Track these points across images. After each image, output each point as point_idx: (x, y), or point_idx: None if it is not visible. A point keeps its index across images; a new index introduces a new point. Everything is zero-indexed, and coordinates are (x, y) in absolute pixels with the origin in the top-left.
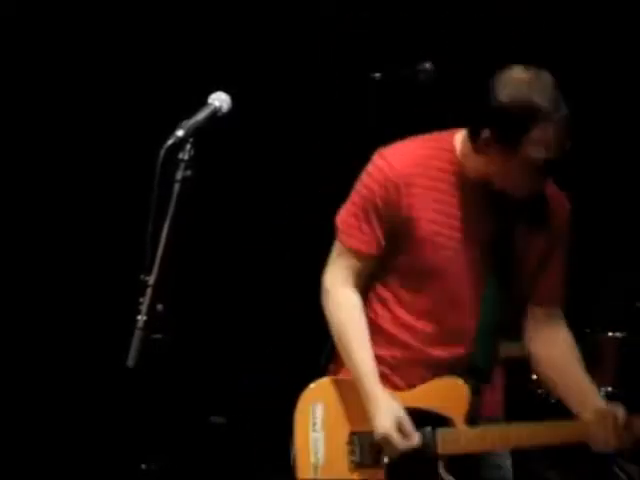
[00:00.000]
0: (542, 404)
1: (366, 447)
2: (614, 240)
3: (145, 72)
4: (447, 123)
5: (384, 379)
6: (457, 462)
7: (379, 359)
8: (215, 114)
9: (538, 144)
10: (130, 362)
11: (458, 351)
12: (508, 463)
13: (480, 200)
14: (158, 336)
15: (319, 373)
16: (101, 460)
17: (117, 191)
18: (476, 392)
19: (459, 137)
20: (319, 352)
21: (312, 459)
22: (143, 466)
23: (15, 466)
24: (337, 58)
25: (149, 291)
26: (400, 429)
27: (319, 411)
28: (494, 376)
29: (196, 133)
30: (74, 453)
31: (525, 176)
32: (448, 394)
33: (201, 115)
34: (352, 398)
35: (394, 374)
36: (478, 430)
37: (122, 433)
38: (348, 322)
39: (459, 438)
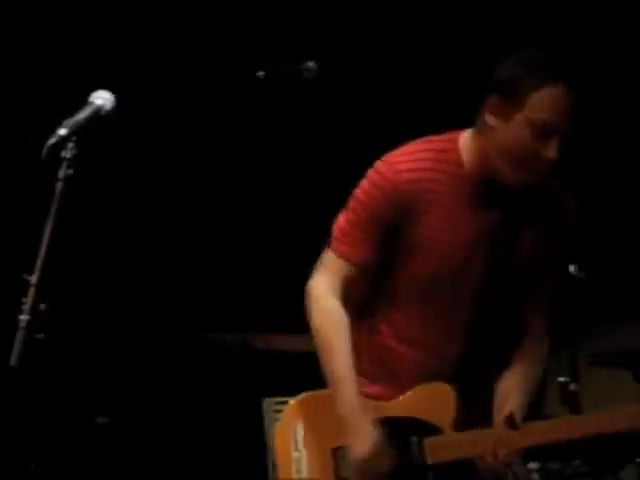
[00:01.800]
0: None
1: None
2: None
3: (25, 68)
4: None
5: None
6: (451, 469)
7: (372, 374)
8: (98, 113)
9: (540, 104)
10: (13, 361)
11: (452, 354)
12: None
13: (484, 200)
14: (41, 336)
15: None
16: None
17: None
18: (466, 395)
19: (464, 135)
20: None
21: (295, 477)
22: (32, 466)
23: None
24: (221, 56)
25: (32, 291)
26: (378, 452)
27: (299, 429)
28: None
29: (79, 132)
30: None
31: (525, 142)
32: (434, 400)
33: (83, 114)
34: (332, 411)
35: (385, 385)
36: (467, 435)
37: (7, 433)
38: (334, 328)
39: (447, 445)
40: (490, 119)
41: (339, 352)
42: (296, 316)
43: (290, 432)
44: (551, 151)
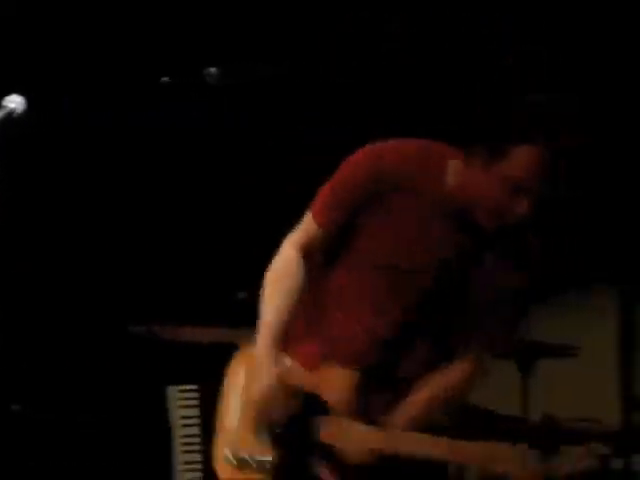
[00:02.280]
0: None
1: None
2: None
3: None
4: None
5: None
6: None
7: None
8: (10, 115)
9: (519, 162)
10: None
11: (382, 338)
12: None
13: (451, 222)
14: None
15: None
16: None
17: None
18: (374, 384)
19: (455, 161)
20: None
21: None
22: None
23: None
24: (127, 62)
25: None
26: (272, 399)
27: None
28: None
29: None
30: None
31: (499, 193)
32: (337, 383)
33: None
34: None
35: (317, 344)
36: (345, 425)
37: None
38: (284, 276)
39: (335, 429)
40: (477, 161)
41: (274, 299)
42: (202, 309)
43: (231, 379)
44: (522, 208)
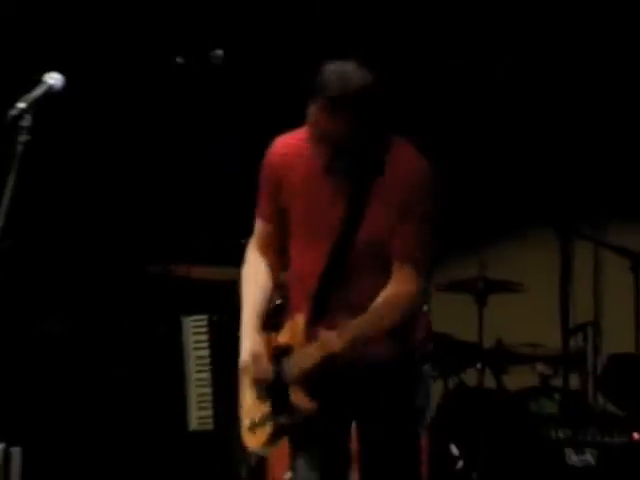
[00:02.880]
0: None
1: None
2: None
3: None
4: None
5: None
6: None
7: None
8: (50, 90)
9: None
10: None
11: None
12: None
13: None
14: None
15: None
16: None
17: None
18: (315, 321)
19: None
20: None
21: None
22: None
23: None
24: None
25: None
26: (256, 361)
27: None
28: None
29: (34, 105)
30: None
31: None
32: (290, 326)
33: (38, 91)
34: None
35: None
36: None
37: None
38: (247, 277)
39: (295, 361)
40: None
41: (246, 299)
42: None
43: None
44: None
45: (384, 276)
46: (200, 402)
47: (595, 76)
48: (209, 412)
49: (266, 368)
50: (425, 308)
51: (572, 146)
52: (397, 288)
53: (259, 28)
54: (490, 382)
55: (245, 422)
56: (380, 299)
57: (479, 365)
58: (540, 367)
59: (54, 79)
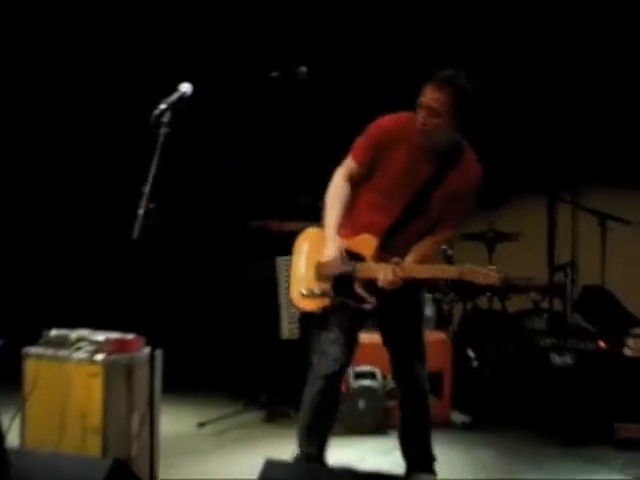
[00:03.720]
0: None
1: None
2: None
3: (138, 70)
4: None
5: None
6: (370, 285)
7: (354, 222)
8: (183, 95)
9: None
10: (134, 235)
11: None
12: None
13: (426, 151)
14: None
15: None
16: None
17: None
18: (383, 248)
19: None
20: None
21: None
22: None
23: None
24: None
25: (145, 195)
26: (340, 256)
27: (305, 245)
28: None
29: (172, 106)
30: None
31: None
32: (365, 243)
33: (175, 96)
34: (322, 240)
35: (352, 230)
36: (377, 265)
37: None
38: (336, 195)
39: (365, 267)
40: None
41: (333, 209)
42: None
43: (299, 246)
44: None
45: (426, 233)
46: (289, 318)
47: (592, 75)
48: (295, 325)
49: (342, 263)
50: (450, 252)
51: (558, 133)
52: (439, 237)
53: (338, 52)
54: (497, 305)
55: (301, 290)
56: (430, 240)
57: (489, 293)
58: (533, 295)
59: (186, 87)
